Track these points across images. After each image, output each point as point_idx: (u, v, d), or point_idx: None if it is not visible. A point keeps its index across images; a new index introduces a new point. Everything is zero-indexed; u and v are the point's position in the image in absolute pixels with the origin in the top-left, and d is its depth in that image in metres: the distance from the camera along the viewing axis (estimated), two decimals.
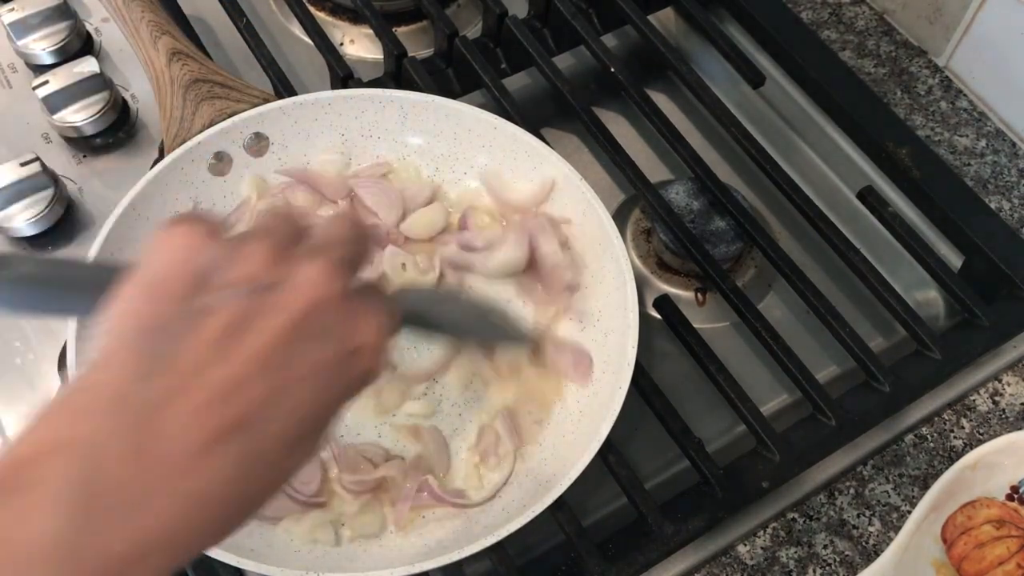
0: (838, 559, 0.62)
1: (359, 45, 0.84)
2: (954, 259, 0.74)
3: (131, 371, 0.32)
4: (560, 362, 0.62)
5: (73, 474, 0.30)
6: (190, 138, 0.63)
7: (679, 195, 0.74)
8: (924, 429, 0.67)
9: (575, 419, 0.60)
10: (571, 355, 0.62)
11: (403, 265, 0.64)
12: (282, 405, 0.33)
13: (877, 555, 0.60)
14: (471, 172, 0.68)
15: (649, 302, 0.69)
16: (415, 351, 0.62)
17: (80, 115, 0.72)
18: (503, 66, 0.80)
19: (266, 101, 0.66)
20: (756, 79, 0.77)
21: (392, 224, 0.66)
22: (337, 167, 0.67)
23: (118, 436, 0.31)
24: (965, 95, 0.85)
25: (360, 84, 0.73)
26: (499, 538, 0.52)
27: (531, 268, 0.65)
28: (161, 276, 0.34)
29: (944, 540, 0.60)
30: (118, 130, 0.74)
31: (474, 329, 0.54)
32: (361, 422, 0.61)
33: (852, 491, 0.64)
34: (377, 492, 0.58)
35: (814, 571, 0.61)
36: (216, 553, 0.51)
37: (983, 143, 0.82)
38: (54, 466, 0.30)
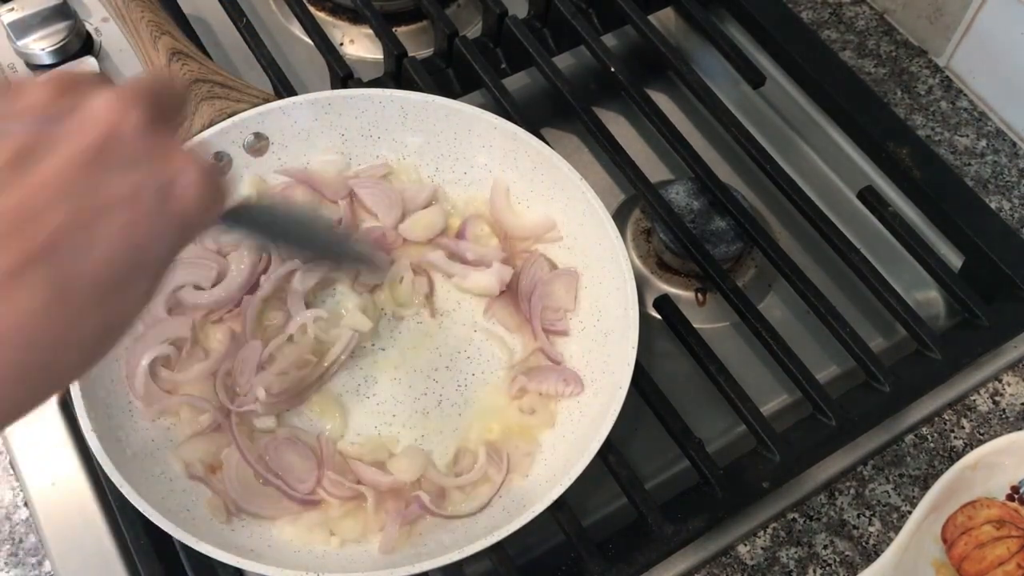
0: (838, 559, 0.62)
1: (359, 45, 0.84)
2: (954, 259, 0.74)
3: None
4: (546, 387, 0.61)
5: None
6: (190, 138, 0.63)
7: (679, 195, 0.74)
8: (924, 429, 0.67)
9: (575, 419, 0.60)
10: (556, 377, 0.61)
11: (400, 279, 0.64)
12: (90, 236, 0.30)
13: (877, 555, 0.60)
14: (471, 172, 0.68)
15: (649, 302, 0.69)
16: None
17: None
18: (503, 66, 0.80)
19: (266, 101, 0.66)
20: (756, 79, 0.77)
21: (391, 225, 0.66)
22: (337, 167, 0.67)
23: None
24: (965, 95, 0.85)
25: (360, 84, 0.73)
26: (499, 538, 0.52)
27: (512, 298, 0.65)
28: None
29: (944, 540, 0.60)
30: None
31: (324, 249, 0.54)
32: (362, 423, 0.61)
33: (852, 491, 0.64)
34: (359, 500, 0.57)
35: (814, 571, 0.61)
36: (216, 553, 0.51)
37: (983, 143, 0.82)
38: None
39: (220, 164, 0.64)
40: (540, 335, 0.62)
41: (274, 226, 0.49)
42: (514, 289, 0.65)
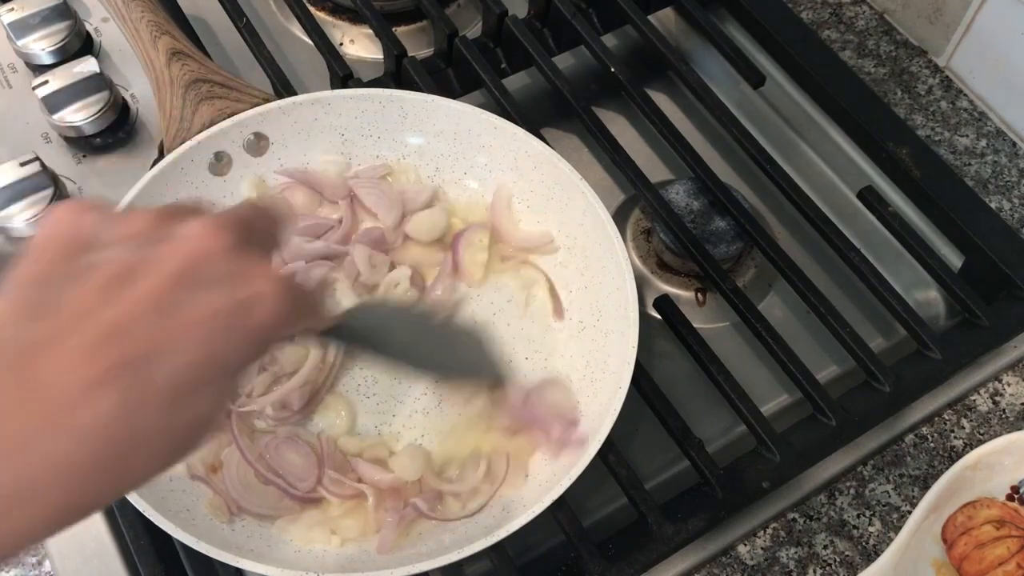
0: (838, 559, 0.62)
1: (359, 45, 0.84)
2: (954, 259, 0.74)
3: (12, 318, 0.32)
4: (541, 434, 0.59)
5: None
6: (190, 138, 0.63)
7: (679, 195, 0.74)
8: (924, 429, 0.67)
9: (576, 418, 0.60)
10: (555, 423, 0.59)
11: (397, 284, 0.64)
12: (171, 351, 0.33)
13: (877, 555, 0.60)
14: (471, 172, 0.68)
15: (649, 302, 0.69)
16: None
17: (80, 115, 0.72)
18: (503, 66, 0.80)
19: (266, 101, 0.66)
20: (756, 79, 0.77)
21: (391, 225, 0.66)
22: (337, 168, 0.67)
23: None
24: (965, 95, 0.85)
25: (360, 84, 0.73)
26: (499, 538, 0.52)
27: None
28: (49, 238, 0.35)
29: (944, 540, 0.60)
30: (118, 130, 0.74)
31: (437, 363, 0.51)
32: (362, 422, 0.61)
33: (852, 491, 0.64)
34: (359, 499, 0.57)
35: (814, 571, 0.61)
36: (216, 553, 0.51)
37: (983, 143, 0.82)
38: None
39: (220, 163, 0.64)
40: (555, 427, 0.58)
41: (381, 332, 0.48)
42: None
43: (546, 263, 0.66)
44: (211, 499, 0.56)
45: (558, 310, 0.65)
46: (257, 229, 0.38)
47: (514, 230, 0.67)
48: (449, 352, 0.53)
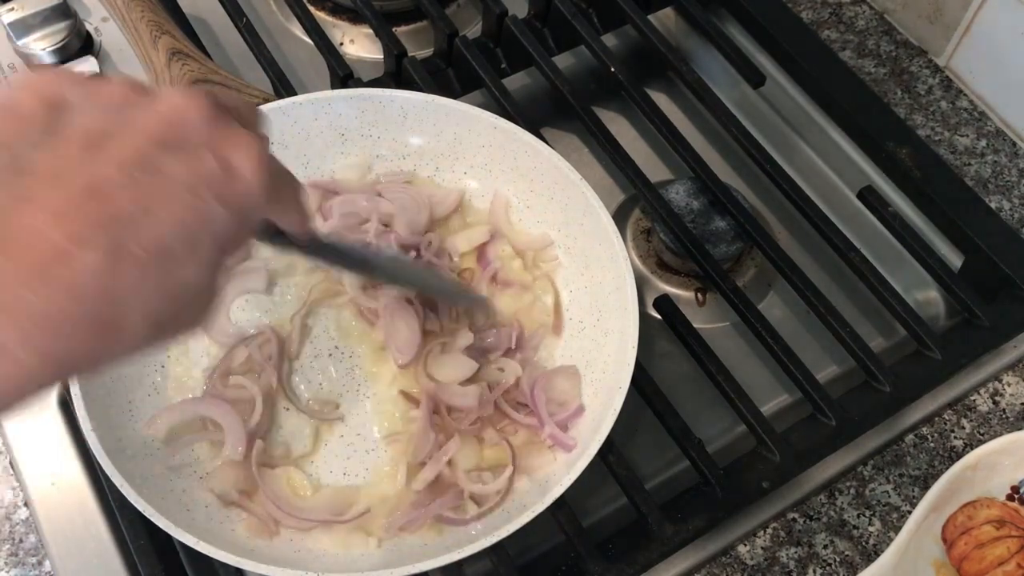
0: (838, 559, 0.62)
1: (359, 45, 0.84)
2: (954, 259, 0.74)
3: None
4: (536, 422, 0.60)
5: None
6: None
7: (679, 195, 0.74)
8: (924, 429, 0.67)
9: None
10: (552, 418, 0.60)
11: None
12: (155, 211, 0.33)
13: (877, 555, 0.60)
14: (471, 172, 0.68)
15: (649, 302, 0.69)
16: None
17: None
18: (503, 66, 0.80)
19: (266, 101, 0.66)
20: (756, 79, 0.77)
21: (420, 230, 0.66)
22: (358, 172, 0.68)
23: None
24: (965, 95, 0.85)
25: (360, 84, 0.73)
26: (499, 538, 0.52)
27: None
28: (18, 101, 0.34)
29: (944, 540, 0.60)
30: None
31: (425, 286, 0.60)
32: (362, 420, 0.61)
33: (852, 491, 0.64)
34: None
35: (814, 571, 0.61)
36: (216, 553, 0.51)
37: (983, 143, 0.82)
38: None
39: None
40: (548, 422, 0.59)
41: (355, 255, 0.53)
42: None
43: (560, 278, 0.66)
44: (247, 521, 0.56)
45: (557, 327, 0.64)
46: (236, 109, 0.39)
47: (514, 235, 0.67)
48: (432, 277, 0.62)
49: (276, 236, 0.46)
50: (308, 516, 0.56)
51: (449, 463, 0.58)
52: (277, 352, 0.61)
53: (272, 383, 0.60)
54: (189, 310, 0.36)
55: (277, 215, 0.42)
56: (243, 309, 0.63)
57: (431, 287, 0.62)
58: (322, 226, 0.66)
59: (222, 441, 0.58)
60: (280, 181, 0.40)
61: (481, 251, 0.67)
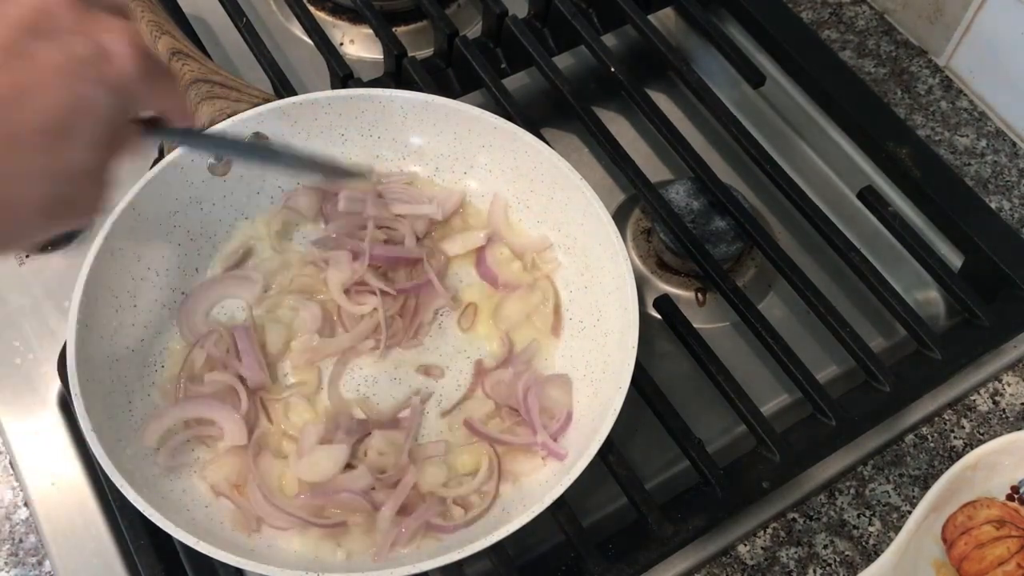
0: (838, 559, 0.62)
1: (359, 45, 0.84)
2: (954, 259, 0.74)
3: None
4: (528, 432, 0.60)
5: None
6: None
7: (679, 195, 0.74)
8: (924, 429, 0.67)
9: (576, 419, 0.60)
10: (544, 426, 0.59)
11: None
12: (35, 93, 0.34)
13: (877, 555, 0.60)
14: (471, 172, 0.68)
15: (649, 302, 0.69)
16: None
17: None
18: (503, 66, 0.80)
19: (266, 101, 0.66)
20: (756, 79, 0.77)
21: (421, 231, 0.66)
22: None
23: None
24: (965, 95, 0.85)
25: (360, 84, 0.73)
26: (499, 538, 0.52)
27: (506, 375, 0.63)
28: None
29: (944, 540, 0.60)
30: None
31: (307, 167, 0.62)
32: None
33: (852, 491, 0.64)
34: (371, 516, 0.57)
35: (814, 571, 0.61)
36: (216, 553, 0.51)
37: (983, 143, 0.82)
38: None
39: (220, 163, 0.64)
40: (540, 431, 0.59)
41: (236, 145, 0.58)
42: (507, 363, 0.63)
43: (560, 278, 0.66)
44: (233, 514, 0.56)
45: (556, 328, 0.64)
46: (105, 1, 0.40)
47: (513, 237, 0.67)
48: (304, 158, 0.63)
49: (160, 130, 0.48)
50: (290, 511, 0.56)
51: (415, 486, 0.57)
52: (237, 345, 0.61)
53: (242, 372, 0.60)
54: (82, 194, 0.38)
55: (156, 102, 0.44)
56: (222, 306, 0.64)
57: (306, 166, 0.62)
58: (324, 229, 0.66)
59: (215, 436, 0.58)
60: (156, 68, 0.41)
61: (479, 255, 0.66)
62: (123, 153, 0.43)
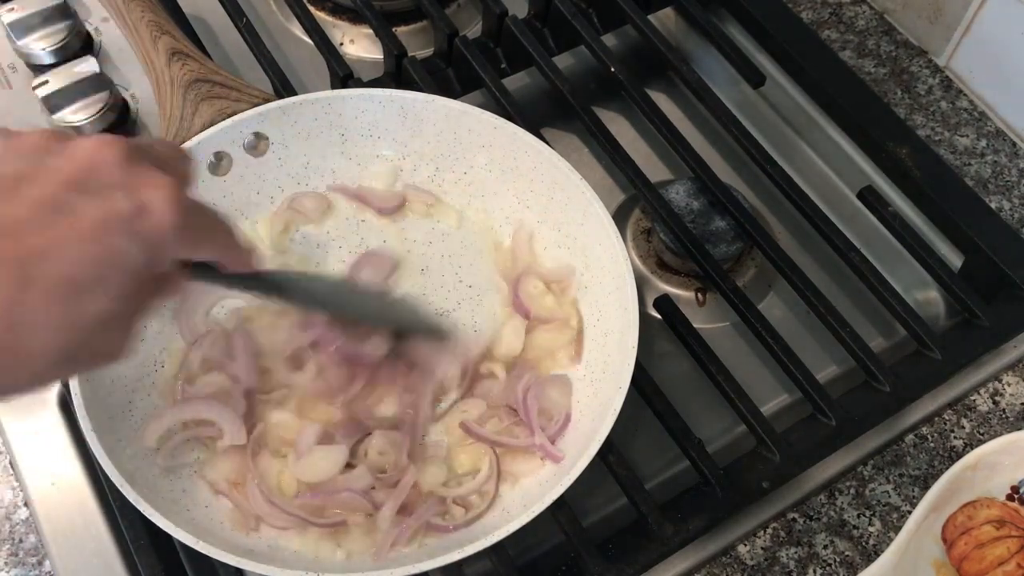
0: (838, 559, 0.62)
1: (359, 45, 0.84)
2: (954, 259, 0.74)
3: None
4: (527, 432, 0.60)
5: None
6: (190, 138, 0.63)
7: (679, 195, 0.74)
8: (924, 429, 0.67)
9: (575, 419, 0.60)
10: (542, 427, 0.59)
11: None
12: (63, 247, 0.35)
13: (877, 555, 0.60)
14: (471, 172, 0.68)
15: (649, 302, 0.69)
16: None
17: (80, 115, 0.72)
18: (503, 66, 0.80)
19: (266, 101, 0.66)
20: (756, 79, 0.77)
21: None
22: (385, 181, 0.68)
23: None
24: (965, 95, 0.85)
25: (360, 84, 0.73)
26: (499, 538, 0.52)
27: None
28: None
29: (944, 540, 0.60)
30: (118, 130, 0.74)
31: (386, 320, 0.58)
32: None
33: (852, 491, 0.64)
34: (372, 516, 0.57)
35: (814, 571, 0.61)
36: (216, 553, 0.51)
37: (983, 143, 0.82)
38: None
39: (220, 163, 0.64)
40: (539, 432, 0.59)
41: (297, 290, 0.53)
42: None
43: (554, 252, 0.66)
44: (231, 512, 0.56)
45: (578, 354, 0.63)
46: (156, 152, 0.41)
47: (535, 265, 0.66)
48: (391, 313, 0.60)
49: (212, 274, 0.47)
50: (289, 511, 0.56)
51: (415, 485, 0.58)
52: (237, 347, 0.60)
53: (239, 374, 0.60)
54: (102, 341, 0.38)
55: (206, 251, 0.44)
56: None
57: (394, 321, 0.59)
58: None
59: (214, 436, 0.58)
60: (202, 220, 0.42)
61: (513, 291, 0.65)
62: (158, 301, 0.43)
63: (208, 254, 0.45)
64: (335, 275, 0.65)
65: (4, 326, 0.34)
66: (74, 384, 0.54)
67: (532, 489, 0.57)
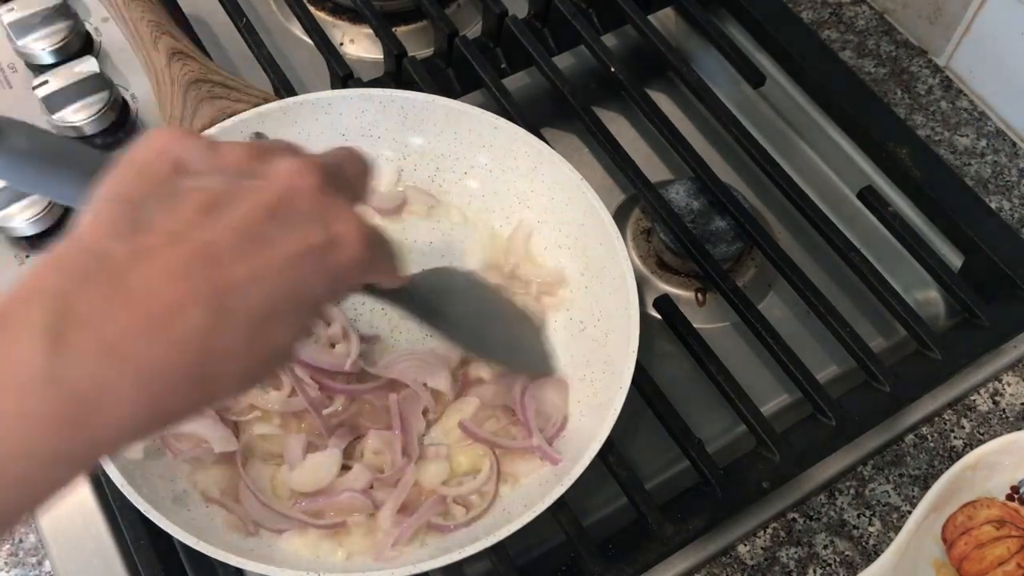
0: (838, 559, 0.62)
1: (359, 45, 0.84)
2: (954, 259, 0.74)
3: (110, 230, 0.34)
4: (525, 433, 0.60)
5: (46, 316, 0.31)
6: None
7: (679, 195, 0.74)
8: (924, 429, 0.67)
9: (575, 419, 0.60)
10: (539, 429, 0.60)
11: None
12: (260, 280, 0.35)
13: (877, 555, 0.60)
14: (471, 172, 0.68)
15: (649, 302, 0.69)
16: None
17: (80, 115, 0.72)
18: (503, 66, 0.80)
19: (266, 101, 0.66)
20: (756, 79, 0.77)
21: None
22: (389, 179, 0.68)
23: (91, 284, 0.32)
24: (965, 95, 0.85)
25: (360, 84, 0.73)
26: (499, 538, 0.52)
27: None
28: (146, 160, 0.37)
29: (944, 540, 0.60)
30: (118, 130, 0.74)
31: (492, 343, 0.56)
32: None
33: (852, 491, 0.64)
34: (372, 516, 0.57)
35: (814, 571, 0.61)
36: (216, 553, 0.51)
37: (983, 143, 0.82)
38: (29, 309, 0.32)
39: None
40: (536, 434, 0.59)
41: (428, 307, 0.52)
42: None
43: (554, 252, 0.66)
44: (227, 519, 0.55)
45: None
46: (346, 174, 0.40)
47: (531, 267, 0.66)
48: (504, 332, 0.59)
49: (368, 290, 0.48)
50: (285, 513, 0.56)
51: (416, 484, 0.58)
52: None
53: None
54: (274, 364, 0.38)
55: (374, 279, 0.44)
56: None
57: (504, 359, 0.59)
58: None
59: (199, 455, 0.57)
60: (380, 251, 0.41)
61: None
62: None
63: (377, 279, 0.45)
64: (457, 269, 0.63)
65: (198, 358, 0.33)
66: None
67: (532, 489, 0.57)
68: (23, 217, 0.67)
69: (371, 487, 0.57)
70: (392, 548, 0.55)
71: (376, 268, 0.41)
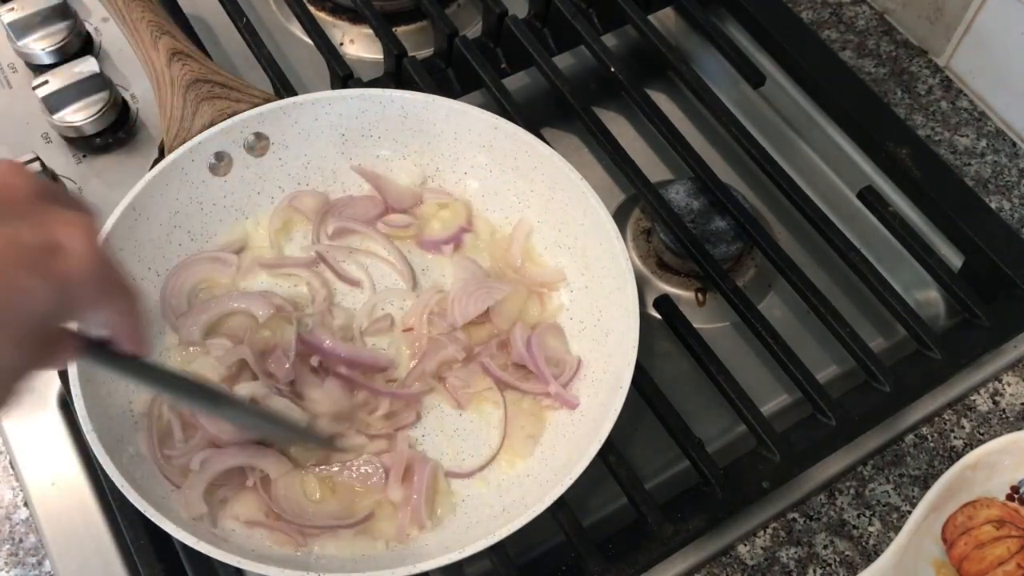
0: (838, 559, 0.62)
1: (359, 45, 0.84)
2: (954, 259, 0.74)
3: None
4: (540, 386, 0.61)
5: None
6: (190, 138, 0.63)
7: (679, 195, 0.74)
8: (924, 429, 0.67)
9: (575, 419, 0.60)
10: (553, 377, 0.61)
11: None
12: None
13: (877, 555, 0.60)
14: (471, 172, 0.68)
15: (649, 302, 0.69)
16: None
17: (80, 115, 0.72)
18: (503, 66, 0.80)
19: (266, 101, 0.66)
20: (756, 79, 0.77)
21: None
22: (411, 177, 0.68)
23: None
24: (965, 95, 0.85)
25: (360, 84, 0.73)
26: (499, 538, 0.52)
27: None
28: None
29: (944, 540, 0.60)
30: (118, 130, 0.74)
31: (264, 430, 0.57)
32: None
33: (852, 491, 0.64)
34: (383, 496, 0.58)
35: (814, 571, 0.61)
36: (216, 553, 0.51)
37: (983, 143, 0.82)
38: None
39: (220, 163, 0.64)
40: (551, 380, 0.60)
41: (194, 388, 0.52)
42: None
43: (554, 251, 0.66)
44: (274, 538, 0.55)
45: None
46: (63, 197, 0.38)
47: (530, 265, 0.67)
48: (278, 424, 0.58)
49: (103, 353, 0.43)
50: (313, 522, 0.56)
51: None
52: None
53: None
54: None
55: (106, 317, 0.40)
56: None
57: (275, 432, 0.58)
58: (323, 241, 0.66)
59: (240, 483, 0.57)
60: (112, 278, 0.38)
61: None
62: (48, 365, 0.39)
63: (112, 319, 0.41)
64: (220, 387, 0.59)
65: None
66: (75, 385, 0.54)
67: (533, 489, 0.57)
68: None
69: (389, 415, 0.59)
70: (412, 521, 0.56)
71: (111, 300, 0.38)
